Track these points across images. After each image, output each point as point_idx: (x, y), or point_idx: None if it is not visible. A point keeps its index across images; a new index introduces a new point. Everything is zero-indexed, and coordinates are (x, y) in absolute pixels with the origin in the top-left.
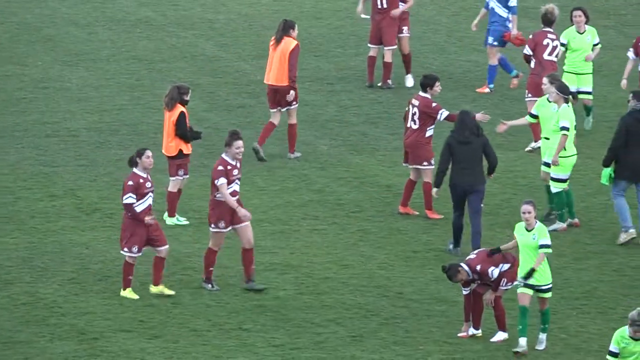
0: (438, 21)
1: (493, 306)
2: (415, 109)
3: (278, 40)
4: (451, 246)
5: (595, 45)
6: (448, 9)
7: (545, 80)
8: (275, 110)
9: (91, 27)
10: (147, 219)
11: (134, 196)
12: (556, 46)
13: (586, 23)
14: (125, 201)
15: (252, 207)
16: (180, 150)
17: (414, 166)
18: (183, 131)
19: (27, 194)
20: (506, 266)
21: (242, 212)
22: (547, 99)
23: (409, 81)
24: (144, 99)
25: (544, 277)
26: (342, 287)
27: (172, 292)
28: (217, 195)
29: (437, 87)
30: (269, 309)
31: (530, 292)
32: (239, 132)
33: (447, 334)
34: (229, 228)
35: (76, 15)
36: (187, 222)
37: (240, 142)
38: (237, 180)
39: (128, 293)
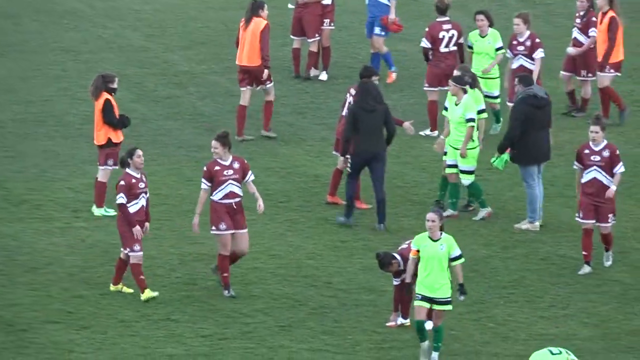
0: (364, 11)
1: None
2: (352, 99)
3: (247, 21)
4: (342, 218)
5: (497, 49)
6: None
7: (452, 83)
8: (245, 88)
9: (18, 18)
10: (136, 230)
11: (125, 197)
12: (452, 36)
13: (490, 26)
14: (117, 202)
15: (179, 197)
16: (109, 139)
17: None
18: (110, 118)
19: None
20: None
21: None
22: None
23: (323, 76)
24: (71, 90)
25: (444, 290)
26: (271, 277)
27: (130, 290)
28: (216, 198)
29: (375, 81)
30: (197, 300)
31: (427, 305)
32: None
33: (375, 323)
34: (232, 231)
35: (3, 6)
36: (114, 213)
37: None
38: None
39: (147, 294)
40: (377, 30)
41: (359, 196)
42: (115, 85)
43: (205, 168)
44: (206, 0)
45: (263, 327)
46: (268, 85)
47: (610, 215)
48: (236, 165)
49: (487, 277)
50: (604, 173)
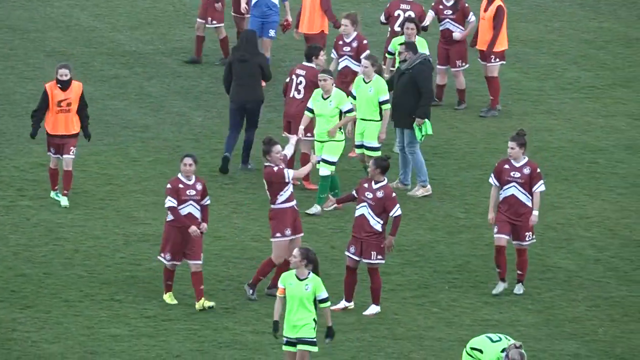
0: None
1: (389, 252)
2: (302, 79)
3: None
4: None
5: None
6: None
7: (366, 62)
8: None
9: None
10: (192, 229)
11: (173, 200)
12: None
13: (418, 34)
14: (165, 205)
15: (125, 177)
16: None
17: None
18: (38, 106)
19: None
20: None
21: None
22: (363, 80)
23: None
24: (18, 68)
25: (307, 329)
26: (215, 259)
27: (211, 304)
28: (279, 201)
29: (322, 57)
30: (141, 280)
31: (293, 349)
32: (272, 138)
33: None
34: (293, 237)
35: None
36: (65, 204)
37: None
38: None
39: (167, 298)
40: (271, 32)
41: (308, 177)
42: (58, 77)
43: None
44: None
45: (207, 309)
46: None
47: (529, 234)
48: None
49: (432, 262)
50: (522, 190)
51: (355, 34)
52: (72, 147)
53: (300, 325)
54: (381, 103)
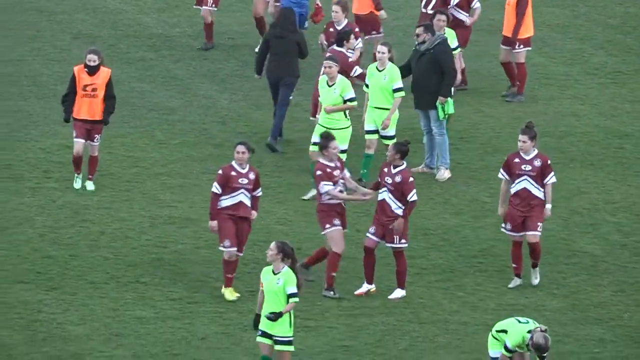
0: None
1: (400, 237)
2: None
3: None
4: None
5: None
6: None
7: (383, 49)
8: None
9: None
10: (214, 223)
11: (218, 187)
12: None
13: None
14: (211, 190)
15: (151, 160)
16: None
17: None
18: (68, 88)
19: None
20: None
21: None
22: (377, 68)
23: None
24: (45, 50)
25: (282, 327)
26: None
27: (236, 295)
28: (325, 199)
29: (353, 40)
30: (167, 263)
31: (267, 341)
32: (330, 134)
33: (345, 290)
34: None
35: None
36: (91, 186)
37: (335, 143)
38: (340, 182)
39: (228, 293)
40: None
41: None
42: (86, 62)
43: (319, 172)
44: None
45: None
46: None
47: (539, 224)
48: (338, 164)
49: (457, 246)
50: (534, 183)
51: (345, 21)
52: (96, 135)
53: (274, 322)
54: (395, 90)
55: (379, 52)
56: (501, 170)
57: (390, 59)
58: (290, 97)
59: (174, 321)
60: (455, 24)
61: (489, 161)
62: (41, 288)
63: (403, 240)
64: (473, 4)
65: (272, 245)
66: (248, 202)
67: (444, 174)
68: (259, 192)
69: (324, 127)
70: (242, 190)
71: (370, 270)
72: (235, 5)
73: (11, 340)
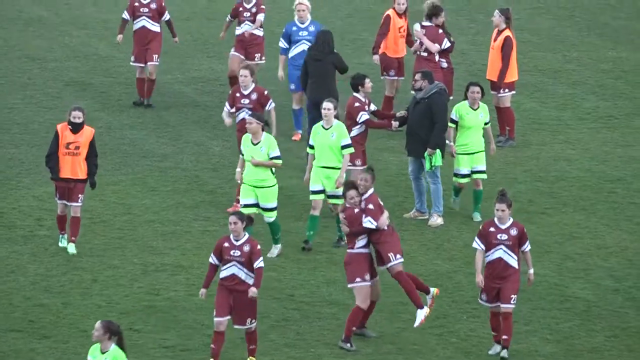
0: (332, 23)
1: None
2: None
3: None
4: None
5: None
6: (341, 11)
7: (328, 105)
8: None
9: None
10: (203, 292)
11: (214, 257)
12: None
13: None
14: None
15: (142, 207)
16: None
17: None
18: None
19: None
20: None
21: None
22: (322, 126)
23: None
24: (36, 97)
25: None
26: None
27: None
28: (357, 246)
29: (368, 84)
30: (160, 310)
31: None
32: (350, 182)
33: (338, 337)
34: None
35: None
36: (72, 249)
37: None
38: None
39: None
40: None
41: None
42: (70, 119)
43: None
44: (171, 11)
45: (226, 339)
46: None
47: (513, 296)
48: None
49: (451, 292)
50: (510, 253)
51: (253, 85)
52: (79, 195)
53: None
54: (343, 147)
55: (324, 108)
56: (476, 239)
57: (336, 117)
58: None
59: None
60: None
61: (482, 206)
62: (33, 336)
63: (398, 256)
64: (443, 44)
65: (98, 325)
66: (242, 275)
67: (437, 220)
68: (258, 264)
69: (250, 185)
70: (234, 262)
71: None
72: (227, 52)
73: None
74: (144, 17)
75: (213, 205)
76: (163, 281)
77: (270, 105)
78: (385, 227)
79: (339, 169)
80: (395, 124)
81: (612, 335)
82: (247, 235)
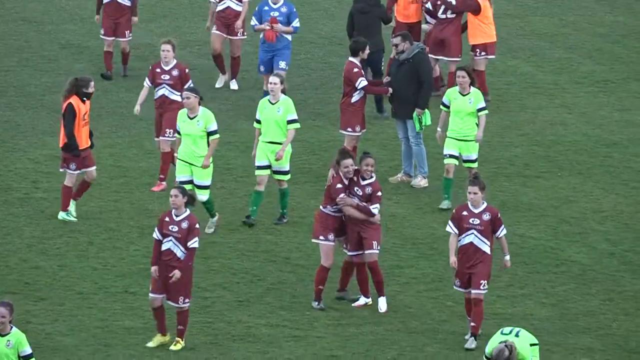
0: None
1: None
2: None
3: None
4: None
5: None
6: None
7: (275, 79)
8: None
9: None
10: (153, 269)
11: (158, 233)
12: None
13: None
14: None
15: (139, 170)
16: (65, 143)
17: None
18: (66, 123)
19: None
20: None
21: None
22: (269, 101)
23: (233, 85)
24: (32, 60)
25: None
26: (229, 251)
27: (159, 342)
28: (328, 208)
29: (367, 51)
30: None
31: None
32: (347, 150)
33: (333, 299)
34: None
35: None
36: (76, 219)
37: (349, 161)
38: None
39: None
40: (282, 64)
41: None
42: (90, 90)
43: (339, 186)
44: None
45: (222, 301)
46: None
47: (483, 282)
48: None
49: (446, 255)
50: (481, 237)
51: (174, 61)
52: (93, 158)
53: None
54: (289, 122)
55: (271, 83)
56: (449, 223)
57: (283, 91)
58: (382, 68)
59: None
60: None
61: (478, 170)
62: (30, 299)
63: (378, 246)
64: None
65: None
66: (178, 252)
67: (421, 182)
68: (192, 243)
69: (186, 162)
70: (171, 238)
71: (365, 284)
72: None
73: None
74: None
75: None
76: None
77: (190, 85)
78: (379, 219)
79: None
80: (390, 89)
81: (607, 298)
82: (187, 212)
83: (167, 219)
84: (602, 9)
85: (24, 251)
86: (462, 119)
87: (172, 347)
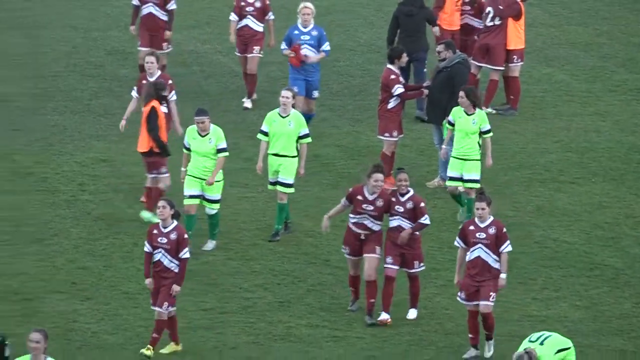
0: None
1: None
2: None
3: None
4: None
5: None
6: None
7: (287, 94)
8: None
9: None
10: (148, 282)
11: (148, 246)
12: (489, 12)
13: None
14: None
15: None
16: (151, 148)
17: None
18: (151, 126)
19: None
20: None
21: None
22: (279, 114)
23: (247, 103)
24: (80, 66)
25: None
26: (270, 253)
27: (146, 354)
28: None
29: (405, 58)
30: (199, 274)
31: None
32: (380, 165)
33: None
34: (355, 257)
35: None
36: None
37: (379, 176)
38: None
39: (145, 350)
40: (315, 94)
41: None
42: (166, 93)
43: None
44: None
45: (263, 302)
46: None
47: (492, 294)
48: (372, 198)
49: None
50: (489, 252)
51: (158, 72)
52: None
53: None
54: (301, 137)
55: (283, 97)
56: (457, 237)
57: (294, 105)
58: (425, 70)
59: (205, 331)
60: (470, 32)
61: (513, 176)
62: (76, 298)
63: (422, 265)
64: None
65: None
66: (166, 262)
67: (437, 182)
68: (184, 254)
69: (197, 177)
70: (160, 249)
71: (388, 299)
72: None
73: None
74: (150, 4)
75: (250, 172)
76: (202, 246)
77: (173, 97)
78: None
79: (293, 157)
80: (425, 91)
81: None
82: (175, 223)
83: (155, 231)
84: (636, 18)
85: (71, 252)
86: (464, 138)
87: (144, 350)
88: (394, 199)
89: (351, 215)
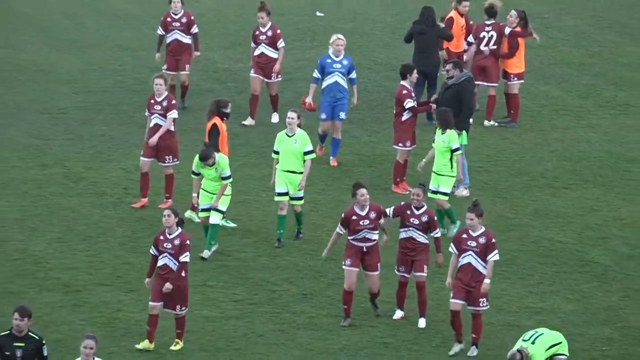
0: (383, 19)
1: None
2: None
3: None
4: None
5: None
6: (392, 9)
7: (292, 115)
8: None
9: (80, 17)
10: (147, 281)
11: (154, 249)
12: (491, 36)
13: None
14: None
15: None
16: None
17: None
18: (213, 142)
19: (20, 163)
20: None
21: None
22: (286, 134)
23: (274, 118)
24: (126, 82)
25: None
26: (295, 250)
27: (146, 347)
28: (350, 237)
29: (415, 75)
30: (231, 269)
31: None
32: (362, 182)
33: (388, 294)
34: (356, 268)
35: (67, 7)
36: (233, 225)
37: (363, 190)
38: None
39: (142, 343)
40: (341, 115)
41: (397, 182)
42: (228, 110)
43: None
44: (243, 5)
45: (288, 294)
46: None
47: (482, 300)
48: (364, 212)
49: None
50: (478, 259)
51: (166, 93)
52: None
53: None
54: (306, 153)
55: (289, 117)
56: (451, 244)
57: (299, 125)
58: (435, 84)
59: (236, 320)
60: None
61: (513, 182)
62: (121, 290)
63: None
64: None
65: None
66: (172, 265)
67: (463, 192)
68: (183, 258)
69: (210, 192)
70: (166, 254)
71: (402, 301)
72: (292, 44)
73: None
74: (176, 31)
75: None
76: (234, 244)
77: (173, 114)
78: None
79: (300, 173)
80: (433, 106)
81: (626, 295)
82: (179, 230)
83: (161, 237)
84: (624, 41)
85: (116, 249)
86: (438, 155)
87: (172, 347)
88: (408, 212)
89: (350, 237)
